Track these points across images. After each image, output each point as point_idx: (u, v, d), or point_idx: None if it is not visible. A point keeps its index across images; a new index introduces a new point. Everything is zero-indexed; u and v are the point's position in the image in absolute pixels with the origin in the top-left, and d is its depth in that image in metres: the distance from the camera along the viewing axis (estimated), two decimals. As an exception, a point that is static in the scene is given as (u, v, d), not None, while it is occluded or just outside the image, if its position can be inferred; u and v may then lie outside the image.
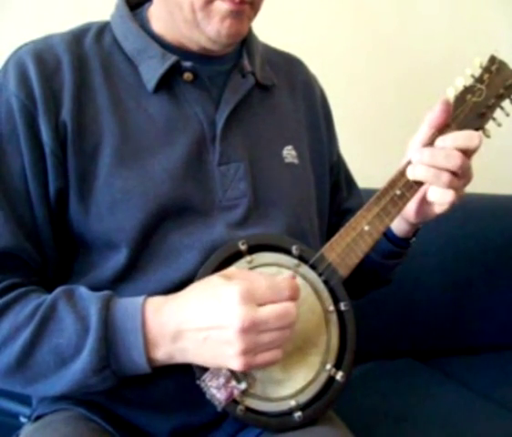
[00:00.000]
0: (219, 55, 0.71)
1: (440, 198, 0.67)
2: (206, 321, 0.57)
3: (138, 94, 0.68)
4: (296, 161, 0.76)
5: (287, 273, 0.65)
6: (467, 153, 0.67)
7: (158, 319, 0.59)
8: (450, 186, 0.66)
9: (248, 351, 0.56)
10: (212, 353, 0.58)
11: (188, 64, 0.68)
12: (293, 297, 0.59)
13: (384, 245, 0.78)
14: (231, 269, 0.62)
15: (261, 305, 0.57)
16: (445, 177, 0.65)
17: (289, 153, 0.75)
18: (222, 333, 0.56)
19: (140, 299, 0.60)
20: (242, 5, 0.65)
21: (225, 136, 0.70)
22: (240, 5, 0.64)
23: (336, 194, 0.87)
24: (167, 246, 0.65)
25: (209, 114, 0.69)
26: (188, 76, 0.69)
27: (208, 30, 0.65)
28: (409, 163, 0.69)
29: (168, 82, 0.68)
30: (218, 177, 0.68)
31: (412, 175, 0.68)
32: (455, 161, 0.65)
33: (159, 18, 0.70)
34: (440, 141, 0.67)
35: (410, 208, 0.73)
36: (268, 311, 0.57)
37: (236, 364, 0.57)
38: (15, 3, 1.09)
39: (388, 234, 0.78)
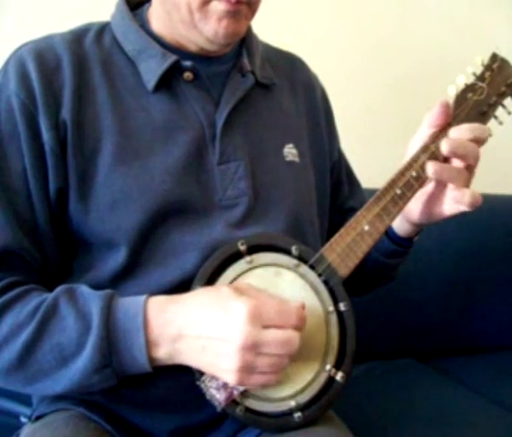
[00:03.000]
0: (218, 55, 0.71)
1: (472, 199, 0.65)
2: (208, 331, 0.57)
3: (138, 93, 0.68)
4: (297, 160, 0.76)
5: (287, 273, 0.65)
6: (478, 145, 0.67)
7: (161, 318, 0.59)
8: (468, 180, 0.66)
9: (243, 370, 0.56)
10: (208, 362, 0.58)
11: (188, 63, 0.68)
12: (299, 326, 0.59)
13: (387, 244, 0.78)
14: (244, 284, 0.62)
15: (266, 327, 0.57)
16: (467, 173, 0.66)
17: (289, 151, 0.75)
18: (222, 346, 0.57)
19: (142, 298, 0.60)
20: (239, 5, 0.64)
21: (225, 135, 0.69)
22: (236, 5, 0.64)
23: (338, 192, 0.87)
24: (166, 245, 0.65)
25: (208, 113, 0.69)
26: (188, 75, 0.69)
27: (205, 30, 0.65)
28: (409, 162, 0.69)
29: (168, 81, 0.68)
30: (218, 177, 0.68)
31: (434, 173, 0.66)
32: (473, 150, 0.65)
33: (158, 18, 0.70)
34: (455, 131, 0.67)
35: (414, 209, 0.72)
36: (271, 336, 0.56)
37: (230, 379, 0.57)
38: (15, 3, 1.09)
39: (390, 234, 0.77)
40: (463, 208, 0.67)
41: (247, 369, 0.56)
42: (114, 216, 0.64)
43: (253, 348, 0.56)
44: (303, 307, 0.61)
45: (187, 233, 0.65)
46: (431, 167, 0.66)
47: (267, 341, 0.56)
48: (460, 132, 0.66)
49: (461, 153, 0.65)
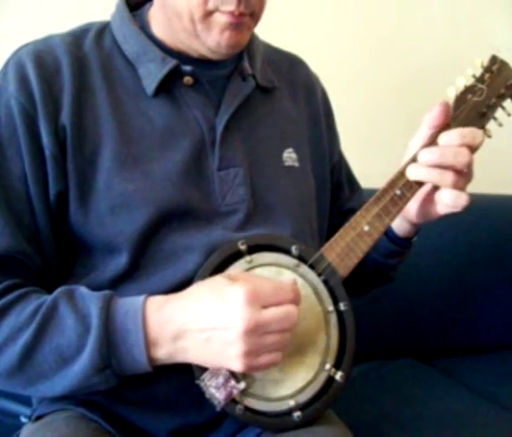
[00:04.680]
0: (219, 59, 0.71)
1: (453, 200, 0.66)
2: (209, 322, 0.58)
3: (138, 97, 0.68)
4: (296, 164, 0.76)
5: (287, 273, 0.65)
6: (471, 150, 0.66)
7: (160, 318, 0.59)
8: (456, 185, 0.66)
9: (250, 353, 0.57)
10: (214, 354, 0.58)
11: (187, 68, 0.68)
12: (295, 300, 0.60)
13: (386, 244, 0.78)
14: (235, 272, 0.62)
15: (264, 307, 0.57)
16: (450, 176, 0.65)
17: (289, 156, 0.75)
18: (225, 334, 0.57)
19: (141, 298, 0.60)
20: (242, 18, 0.64)
21: (225, 140, 0.69)
22: (239, 17, 0.64)
23: (338, 194, 0.87)
24: (167, 248, 0.65)
25: (208, 118, 0.69)
26: (188, 79, 0.69)
27: (208, 41, 0.65)
28: (409, 163, 0.69)
29: (167, 86, 0.68)
30: (217, 183, 0.68)
31: (413, 175, 0.67)
32: (463, 158, 0.65)
33: (159, 23, 0.70)
34: (446, 136, 0.66)
35: (412, 209, 0.73)
36: (271, 314, 0.57)
37: (237, 366, 0.57)
38: (15, 3, 1.09)
39: (389, 234, 0.78)
40: (448, 209, 0.67)
41: (253, 352, 0.57)
42: (114, 220, 0.64)
43: (256, 329, 0.56)
44: (295, 283, 0.62)
45: (187, 236, 0.65)
46: (410, 171, 0.67)
47: (268, 320, 0.57)
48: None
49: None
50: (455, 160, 0.65)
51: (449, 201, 0.66)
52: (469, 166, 0.66)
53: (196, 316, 0.58)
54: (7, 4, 1.08)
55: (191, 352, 0.59)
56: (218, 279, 0.60)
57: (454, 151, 0.65)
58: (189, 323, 0.58)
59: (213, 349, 0.58)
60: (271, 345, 0.58)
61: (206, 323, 0.58)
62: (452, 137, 0.66)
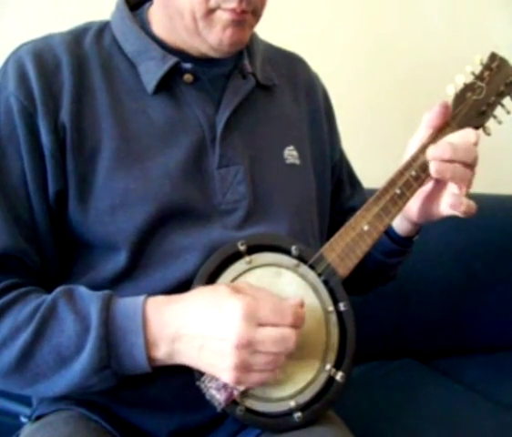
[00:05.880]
0: (220, 58, 0.71)
1: (466, 208, 0.66)
2: (204, 329, 0.58)
3: (138, 95, 0.68)
4: (297, 162, 0.76)
5: (287, 273, 0.65)
6: None
7: (159, 318, 0.59)
8: (470, 182, 0.66)
9: (240, 368, 0.56)
10: (206, 362, 0.58)
11: (188, 65, 0.68)
12: (296, 324, 0.58)
13: (387, 244, 0.78)
14: (242, 283, 0.62)
15: (261, 325, 0.57)
16: (469, 172, 0.66)
17: (290, 154, 0.75)
18: (218, 344, 0.57)
19: (141, 298, 0.60)
20: (244, 15, 0.64)
21: (225, 138, 0.69)
22: (241, 14, 0.64)
23: (339, 192, 0.87)
24: (166, 247, 0.65)
25: (209, 116, 0.69)
26: (188, 77, 0.69)
27: (210, 39, 0.65)
28: (408, 162, 0.69)
29: (168, 84, 0.68)
30: (217, 181, 0.68)
31: (437, 173, 0.66)
32: (472, 153, 0.65)
33: (160, 22, 0.70)
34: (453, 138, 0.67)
35: (413, 209, 0.72)
36: (265, 334, 0.56)
37: (227, 377, 0.57)
38: (15, 3, 1.09)
39: (391, 233, 0.78)
40: (457, 214, 0.67)
41: (243, 367, 0.56)
42: (114, 219, 0.64)
43: (248, 346, 0.56)
44: (302, 305, 0.61)
45: (187, 235, 0.65)
46: (433, 166, 0.65)
47: (261, 339, 0.56)
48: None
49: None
50: (465, 155, 0.65)
51: (464, 209, 0.66)
52: (476, 159, 0.67)
53: (192, 322, 0.58)
54: (7, 4, 1.08)
55: (186, 357, 0.59)
56: (220, 289, 0.60)
57: (465, 147, 0.65)
58: (184, 328, 0.58)
59: (206, 357, 0.58)
60: (262, 364, 0.57)
61: (200, 330, 0.58)
62: (456, 137, 0.67)
